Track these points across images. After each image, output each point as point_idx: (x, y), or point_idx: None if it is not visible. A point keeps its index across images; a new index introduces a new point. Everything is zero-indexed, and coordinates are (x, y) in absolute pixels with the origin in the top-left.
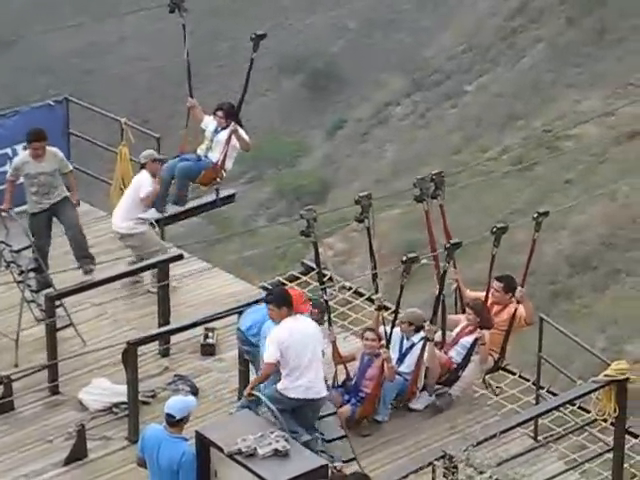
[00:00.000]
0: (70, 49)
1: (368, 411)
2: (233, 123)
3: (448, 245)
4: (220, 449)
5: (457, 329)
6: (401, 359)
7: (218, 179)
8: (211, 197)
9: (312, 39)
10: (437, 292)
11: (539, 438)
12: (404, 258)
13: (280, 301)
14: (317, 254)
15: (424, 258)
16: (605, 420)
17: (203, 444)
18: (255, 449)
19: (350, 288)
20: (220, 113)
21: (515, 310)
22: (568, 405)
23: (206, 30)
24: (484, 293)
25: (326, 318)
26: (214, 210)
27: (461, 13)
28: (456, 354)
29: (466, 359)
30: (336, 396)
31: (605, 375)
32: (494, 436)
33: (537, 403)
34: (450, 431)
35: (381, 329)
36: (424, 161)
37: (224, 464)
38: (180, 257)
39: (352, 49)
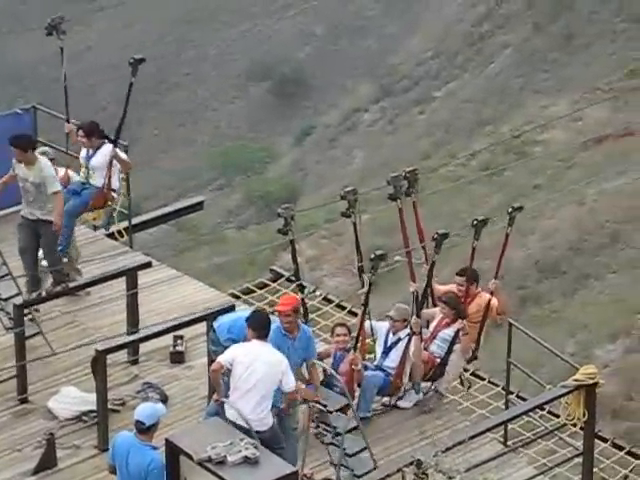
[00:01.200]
0: (38, 57)
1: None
2: (112, 147)
3: (436, 236)
4: (190, 457)
5: (433, 323)
6: (386, 352)
7: (109, 202)
8: (179, 204)
9: (279, 46)
10: (424, 286)
11: (509, 443)
12: (372, 255)
13: (250, 323)
14: (294, 252)
15: (397, 255)
16: (574, 425)
17: (172, 452)
18: (225, 456)
19: (319, 293)
20: (80, 133)
21: (488, 301)
22: (537, 410)
23: (173, 37)
24: (451, 286)
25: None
26: (183, 217)
27: (428, 19)
28: (437, 348)
29: (449, 352)
30: (308, 392)
31: (574, 380)
32: (463, 441)
33: (506, 408)
34: (419, 437)
35: (367, 324)
36: (393, 167)
37: (194, 472)
38: (149, 265)
39: (319, 55)
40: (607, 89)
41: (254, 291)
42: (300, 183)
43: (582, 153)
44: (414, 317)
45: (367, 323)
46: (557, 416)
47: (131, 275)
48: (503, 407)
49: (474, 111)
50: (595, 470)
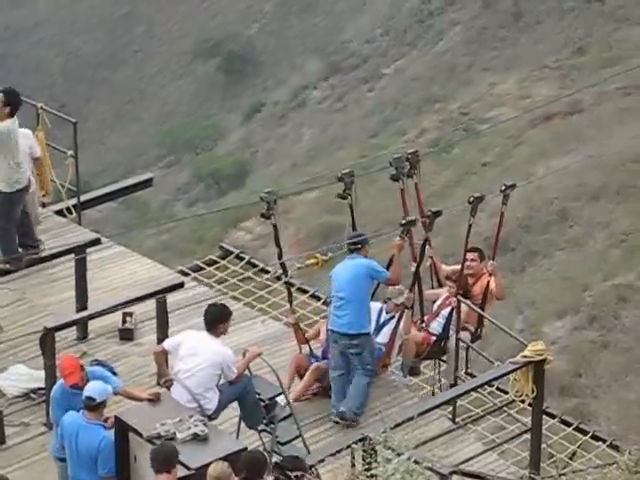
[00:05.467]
0: None
1: None
2: None
3: (429, 213)
4: (139, 434)
5: (438, 302)
6: (378, 330)
7: None
8: (128, 182)
9: (228, 22)
10: (416, 263)
11: (457, 420)
12: (403, 221)
13: (204, 316)
14: (277, 236)
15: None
16: (523, 401)
17: (122, 429)
18: (174, 433)
19: (268, 271)
20: None
21: (487, 282)
22: (486, 386)
23: (121, 14)
24: (458, 266)
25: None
26: (132, 195)
27: None
28: (438, 325)
29: (446, 330)
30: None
31: (522, 356)
32: (412, 418)
33: (455, 385)
34: (368, 413)
35: None
36: (341, 145)
37: (143, 449)
38: (97, 241)
39: (268, 32)
40: (555, 67)
41: (203, 268)
42: (249, 160)
43: (530, 131)
44: (407, 292)
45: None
46: (506, 392)
47: (80, 252)
48: (452, 384)
49: (423, 89)
50: (543, 446)
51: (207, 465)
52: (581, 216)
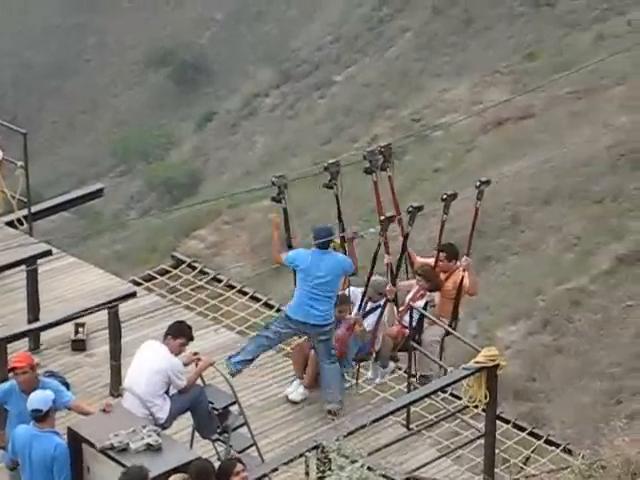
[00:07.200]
0: None
1: None
2: None
3: (411, 208)
4: (92, 445)
5: (409, 295)
6: (363, 317)
7: None
8: (78, 192)
9: (179, 31)
10: (399, 255)
11: (411, 426)
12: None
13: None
14: (287, 220)
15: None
16: (476, 407)
17: (75, 440)
18: (127, 444)
19: (220, 280)
20: None
21: (462, 278)
22: (439, 392)
23: (73, 24)
24: (430, 259)
25: None
26: (84, 205)
27: (328, 3)
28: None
29: (419, 323)
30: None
31: (475, 362)
32: (365, 425)
33: (409, 391)
34: (322, 422)
35: (345, 290)
36: (294, 152)
37: (97, 460)
38: (49, 253)
39: (219, 41)
40: (506, 72)
41: (155, 278)
42: (201, 168)
43: (482, 136)
44: (389, 285)
45: (346, 290)
46: (459, 398)
47: (31, 263)
48: (405, 390)
49: (374, 95)
50: (497, 451)
51: (161, 475)
52: (533, 220)
